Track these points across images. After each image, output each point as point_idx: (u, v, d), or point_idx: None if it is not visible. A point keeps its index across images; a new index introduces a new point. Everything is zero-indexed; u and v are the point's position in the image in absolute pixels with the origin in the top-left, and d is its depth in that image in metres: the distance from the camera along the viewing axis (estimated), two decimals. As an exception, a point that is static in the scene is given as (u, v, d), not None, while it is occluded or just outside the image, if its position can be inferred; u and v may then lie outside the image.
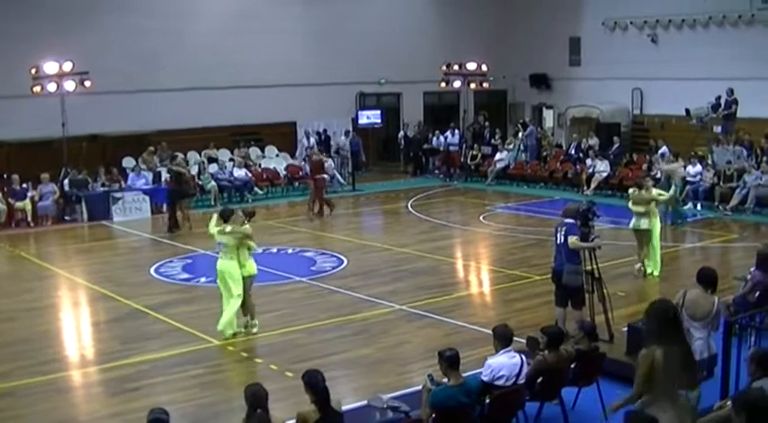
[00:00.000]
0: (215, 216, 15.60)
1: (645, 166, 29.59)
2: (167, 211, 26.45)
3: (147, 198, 28.18)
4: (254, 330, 15.40)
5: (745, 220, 25.76)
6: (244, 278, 15.09)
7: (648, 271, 18.99)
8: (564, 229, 13.76)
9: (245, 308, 15.33)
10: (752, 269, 14.11)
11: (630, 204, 18.90)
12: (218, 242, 15.19)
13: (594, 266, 13.67)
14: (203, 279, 19.35)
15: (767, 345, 10.94)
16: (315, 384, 8.79)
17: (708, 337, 11.09)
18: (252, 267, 15.31)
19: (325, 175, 28.93)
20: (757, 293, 13.65)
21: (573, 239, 13.54)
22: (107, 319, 16.84)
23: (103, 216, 27.43)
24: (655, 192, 19.01)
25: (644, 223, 18.59)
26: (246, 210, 16.32)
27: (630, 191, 19.69)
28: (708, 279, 11.22)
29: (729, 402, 8.34)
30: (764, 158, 27.89)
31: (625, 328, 12.98)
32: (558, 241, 13.82)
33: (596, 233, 14.13)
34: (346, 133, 35.96)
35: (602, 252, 14.21)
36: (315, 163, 28.24)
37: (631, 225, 18.89)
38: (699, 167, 28.07)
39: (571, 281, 13.61)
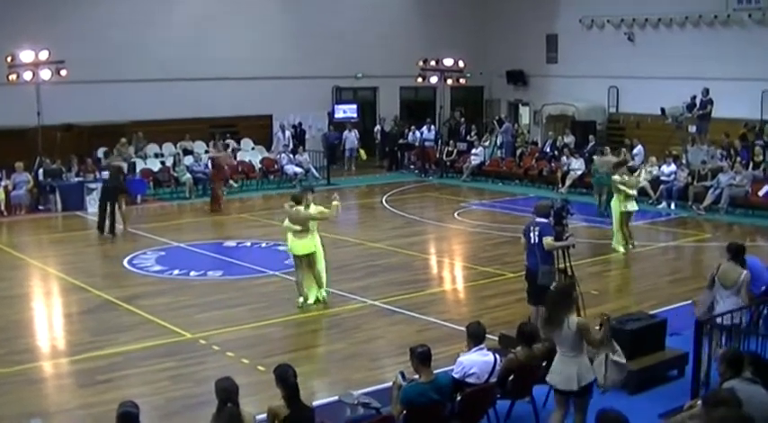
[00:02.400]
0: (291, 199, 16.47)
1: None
2: (100, 211, 24.31)
3: (122, 189, 27.94)
4: (302, 301, 16.41)
5: (718, 220, 25.85)
6: (314, 253, 16.12)
7: (632, 242, 21.28)
8: (538, 228, 13.60)
9: (315, 279, 16.37)
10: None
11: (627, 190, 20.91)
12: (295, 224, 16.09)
13: (567, 264, 13.60)
14: (176, 271, 19.28)
15: (737, 345, 10.97)
16: (285, 379, 8.75)
17: (736, 304, 11.91)
18: (317, 243, 16.27)
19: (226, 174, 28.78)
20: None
21: (548, 240, 13.43)
22: (79, 310, 16.73)
23: (77, 206, 27.27)
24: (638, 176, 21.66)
25: (630, 206, 20.97)
26: (306, 186, 17.82)
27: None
28: (733, 251, 12.57)
29: (700, 402, 8.37)
30: (738, 159, 28.01)
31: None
32: (533, 241, 13.65)
33: (570, 231, 14.11)
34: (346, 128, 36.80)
35: (575, 250, 14.21)
36: (219, 160, 27.95)
37: (624, 208, 21.01)
38: (673, 167, 28.16)
39: (546, 281, 13.51)
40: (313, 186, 17.39)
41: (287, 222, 16.29)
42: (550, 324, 9.78)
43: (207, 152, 31.72)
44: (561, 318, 9.64)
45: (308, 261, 16.28)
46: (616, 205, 21.20)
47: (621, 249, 21.09)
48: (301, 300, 16.41)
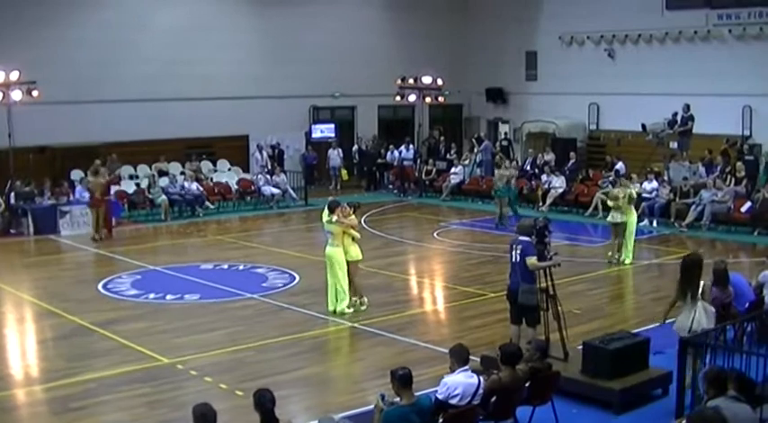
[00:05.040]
0: (327, 207, 17.37)
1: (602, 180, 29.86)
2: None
3: (96, 212, 27.80)
4: (363, 308, 17.57)
5: (700, 237, 25.97)
6: (348, 263, 17.13)
7: (621, 259, 21.99)
8: (520, 247, 13.60)
9: (353, 289, 17.47)
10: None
11: (608, 201, 22.47)
12: (326, 231, 17.24)
13: (549, 283, 13.60)
14: (152, 295, 19.18)
15: (722, 363, 11.00)
16: (262, 404, 8.73)
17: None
18: (356, 253, 17.32)
19: (111, 198, 27.97)
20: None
21: (532, 260, 13.40)
22: (53, 336, 16.61)
23: (50, 230, 27.09)
24: (619, 191, 22.19)
25: (617, 217, 21.90)
26: (352, 203, 18.26)
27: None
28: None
29: (685, 422, 8.39)
30: (720, 175, 28.15)
31: (580, 346, 12.99)
32: (514, 260, 13.66)
33: (554, 250, 14.13)
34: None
35: (557, 269, 14.21)
36: (101, 185, 27.07)
37: (608, 219, 22.50)
38: (655, 184, 28.25)
39: (526, 300, 13.50)
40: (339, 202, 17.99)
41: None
42: (688, 286, 12.36)
43: (182, 173, 31.71)
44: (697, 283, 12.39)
45: (330, 267, 17.21)
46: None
47: (623, 258, 22.11)
48: (354, 299, 17.58)
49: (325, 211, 17.39)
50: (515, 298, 13.72)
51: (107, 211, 26.90)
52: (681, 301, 12.54)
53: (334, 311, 17.30)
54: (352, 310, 17.36)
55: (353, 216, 17.50)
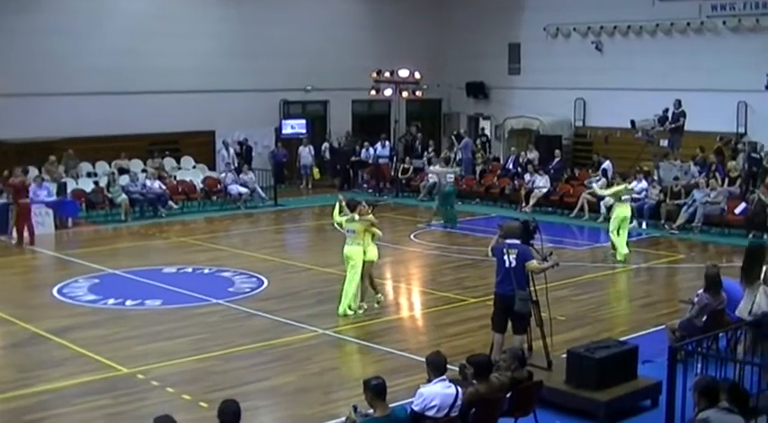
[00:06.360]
0: (338, 205, 18.20)
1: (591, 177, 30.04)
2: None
3: (51, 211, 27.63)
4: (376, 305, 18.28)
5: (692, 240, 26.11)
6: (364, 262, 17.72)
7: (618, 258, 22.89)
8: (515, 251, 13.43)
9: (372, 288, 18.30)
10: (699, 291, 14.30)
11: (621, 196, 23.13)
12: (346, 230, 17.81)
13: (532, 288, 13.61)
14: (111, 301, 19.10)
15: (714, 372, 11.06)
16: (224, 415, 8.71)
17: None
18: (374, 253, 18.04)
19: (29, 200, 27.26)
20: (705, 317, 13.82)
21: (533, 264, 13.38)
22: (4, 344, 16.53)
23: (2, 230, 26.96)
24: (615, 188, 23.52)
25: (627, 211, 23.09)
26: (369, 201, 19.47)
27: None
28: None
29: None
30: (713, 174, 28.22)
31: (564, 355, 13.03)
32: (509, 264, 13.42)
33: (549, 249, 14.12)
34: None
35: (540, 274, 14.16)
36: (16, 185, 26.83)
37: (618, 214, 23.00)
38: (644, 184, 28.32)
39: (523, 308, 13.36)
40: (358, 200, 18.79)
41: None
42: (751, 271, 13.18)
43: (144, 171, 31.62)
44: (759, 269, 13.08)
45: (352, 267, 17.70)
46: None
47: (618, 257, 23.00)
48: (380, 296, 18.51)
49: (336, 210, 18.11)
50: (509, 305, 13.53)
51: (22, 214, 26.36)
52: (746, 287, 13.21)
53: (344, 314, 17.77)
54: (352, 312, 17.81)
55: (371, 214, 17.92)
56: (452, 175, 29.20)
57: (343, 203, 18.16)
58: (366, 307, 18.02)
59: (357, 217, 17.65)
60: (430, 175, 31.50)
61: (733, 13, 32.20)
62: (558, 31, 37.47)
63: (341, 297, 17.78)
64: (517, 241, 13.59)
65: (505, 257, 13.52)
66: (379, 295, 18.53)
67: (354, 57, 37.65)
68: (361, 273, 17.77)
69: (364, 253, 17.72)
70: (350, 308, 17.79)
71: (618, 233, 22.86)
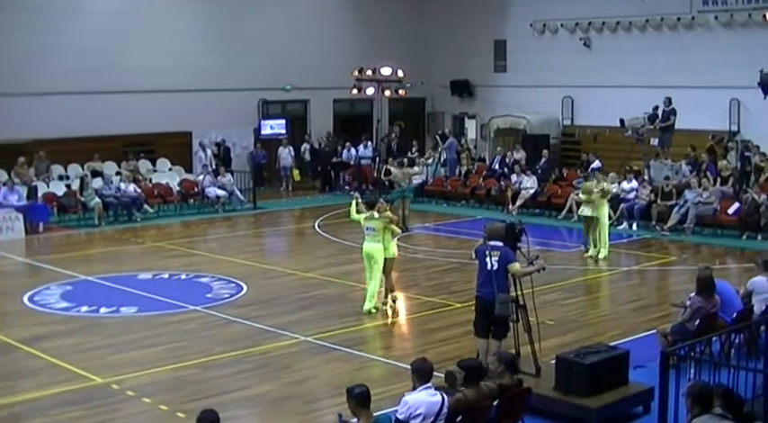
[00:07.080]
0: (354, 203, 19.29)
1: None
2: None
3: (21, 216, 27.51)
4: (392, 303, 18.91)
5: (684, 241, 26.15)
6: (386, 259, 18.53)
7: (600, 255, 23.41)
8: (498, 253, 13.43)
9: (389, 285, 19.02)
10: (691, 295, 14.33)
11: (580, 194, 24.34)
12: (365, 227, 18.53)
13: (519, 292, 13.61)
14: (85, 308, 19.04)
15: (707, 377, 11.07)
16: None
17: None
18: (394, 249, 18.89)
19: None
20: (697, 321, 13.84)
21: (515, 267, 13.38)
22: (-27, 353, 16.50)
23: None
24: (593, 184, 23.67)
25: (586, 211, 23.56)
26: (387, 199, 20.92)
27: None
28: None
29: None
30: (704, 174, 28.26)
31: (553, 361, 13.04)
32: (490, 267, 13.44)
33: (536, 253, 14.11)
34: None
35: (537, 275, 14.12)
36: None
37: (579, 212, 24.59)
38: (634, 183, 28.39)
39: (504, 311, 13.35)
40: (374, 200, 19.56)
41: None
42: None
43: (118, 173, 31.50)
44: None
45: (373, 264, 18.43)
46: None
47: (600, 255, 23.48)
48: (395, 295, 19.16)
49: (353, 208, 19.11)
50: (489, 309, 13.52)
51: None
52: None
53: (369, 311, 18.44)
54: (375, 310, 18.51)
55: (389, 212, 18.87)
56: (419, 177, 30.05)
57: (360, 202, 19.25)
58: (397, 296, 19.13)
59: (377, 214, 18.42)
60: (387, 178, 31.01)
61: (725, 7, 32.33)
62: (545, 28, 37.53)
63: (365, 297, 18.49)
64: (501, 243, 13.60)
65: (488, 259, 13.52)
66: (395, 293, 19.16)
67: (335, 54, 37.65)
68: (383, 269, 18.48)
69: (385, 250, 18.43)
70: (372, 302, 18.47)
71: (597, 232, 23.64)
